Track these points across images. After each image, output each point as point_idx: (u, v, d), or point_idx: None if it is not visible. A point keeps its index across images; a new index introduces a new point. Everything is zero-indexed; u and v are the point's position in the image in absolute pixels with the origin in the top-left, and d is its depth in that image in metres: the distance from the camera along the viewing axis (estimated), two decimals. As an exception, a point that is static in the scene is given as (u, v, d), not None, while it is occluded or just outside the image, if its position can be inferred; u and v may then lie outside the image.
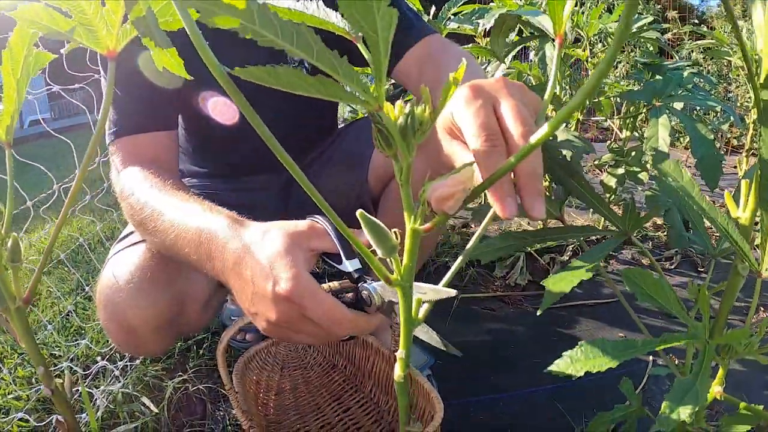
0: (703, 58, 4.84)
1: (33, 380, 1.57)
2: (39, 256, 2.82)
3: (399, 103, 0.35)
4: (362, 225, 0.43)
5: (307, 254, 0.70)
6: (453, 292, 0.55)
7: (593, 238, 2.32)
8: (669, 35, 5.16)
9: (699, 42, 3.82)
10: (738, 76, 4.57)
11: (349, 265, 0.71)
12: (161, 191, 0.92)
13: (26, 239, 3.20)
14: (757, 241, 0.62)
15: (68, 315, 1.89)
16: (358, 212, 0.44)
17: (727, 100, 4.66)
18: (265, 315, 0.68)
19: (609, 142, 2.35)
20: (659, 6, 5.05)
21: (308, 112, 1.32)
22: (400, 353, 0.50)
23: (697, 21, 5.49)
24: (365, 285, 0.69)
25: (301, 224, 0.73)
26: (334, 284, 0.71)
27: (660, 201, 1.75)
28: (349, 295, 0.71)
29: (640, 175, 1.96)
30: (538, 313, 0.67)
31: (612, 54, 0.31)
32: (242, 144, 1.26)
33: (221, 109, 1.16)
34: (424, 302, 0.53)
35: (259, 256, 0.69)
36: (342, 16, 0.29)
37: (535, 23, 1.31)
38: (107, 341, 1.66)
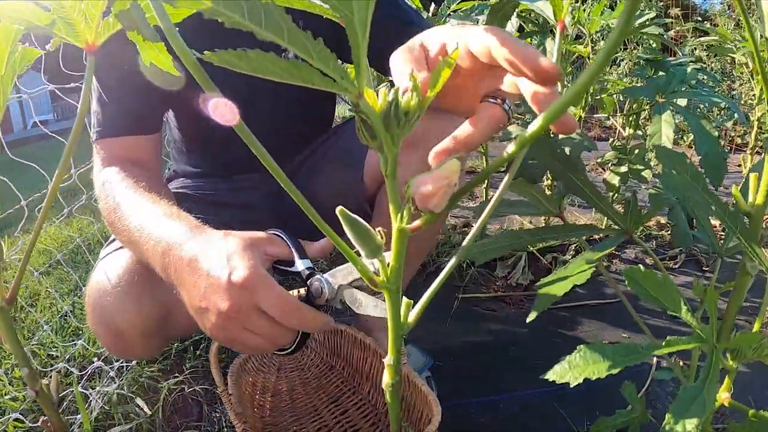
0: (707, 55, 4.81)
1: (29, 382, 1.55)
2: (38, 256, 2.81)
3: (382, 89, 0.33)
4: (343, 224, 0.41)
5: (263, 256, 0.73)
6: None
7: (595, 237, 2.29)
8: (672, 33, 5.12)
9: (702, 39, 3.79)
10: (741, 73, 4.53)
11: (301, 264, 0.75)
12: (134, 193, 0.93)
13: (23, 239, 3.19)
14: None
15: (66, 316, 1.88)
16: (338, 209, 0.41)
17: (731, 97, 4.62)
18: (216, 306, 0.68)
19: (612, 140, 2.33)
20: (662, 3, 5.02)
21: (305, 102, 1.30)
22: (388, 359, 0.47)
23: (700, 19, 5.45)
24: (315, 277, 0.73)
25: (260, 233, 0.76)
26: (295, 292, 0.74)
27: (664, 199, 1.73)
28: (302, 291, 0.74)
29: (643, 173, 1.94)
30: (528, 319, 0.65)
31: (612, 44, 0.28)
32: (235, 143, 1.25)
33: (222, 110, 1.15)
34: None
35: (219, 251, 0.71)
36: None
37: (536, 9, 1.28)
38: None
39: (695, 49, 4.47)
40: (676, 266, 2.21)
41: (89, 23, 0.56)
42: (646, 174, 1.93)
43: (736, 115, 2.85)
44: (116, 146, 1.06)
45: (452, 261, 0.48)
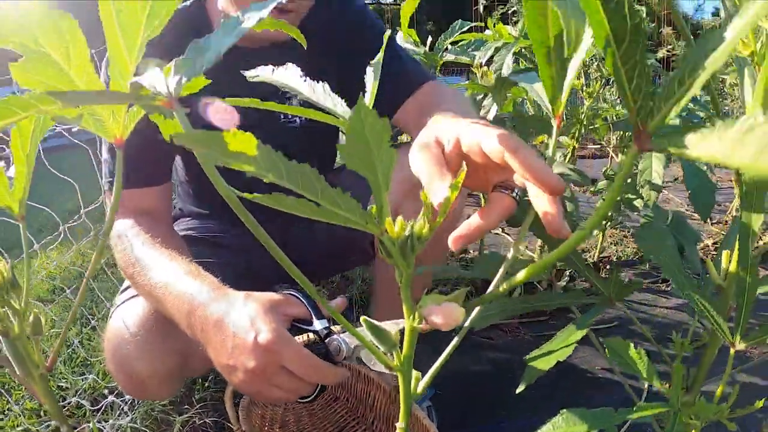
0: (698, 73, 4.88)
1: (41, 413, 1.60)
2: (41, 283, 2.84)
3: (399, 220, 0.39)
4: (365, 327, 0.48)
5: (282, 317, 0.79)
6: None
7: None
8: (664, 51, 5.20)
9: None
10: (733, 91, 4.61)
11: (318, 324, 0.81)
12: (151, 248, 0.99)
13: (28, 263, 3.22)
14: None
15: (73, 345, 1.92)
16: (362, 318, 0.48)
17: (724, 114, 4.71)
18: (244, 365, 0.75)
19: (605, 168, 2.39)
20: (654, 23, 5.10)
21: (308, 147, 1.35)
22: (401, 425, 0.53)
23: (692, 37, 5.51)
24: (333, 337, 0.79)
25: (277, 295, 0.83)
26: (304, 337, 0.80)
27: (654, 227, 1.78)
28: (317, 343, 0.80)
29: (635, 203, 2.00)
30: (518, 391, 0.73)
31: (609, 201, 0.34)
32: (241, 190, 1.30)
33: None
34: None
35: (242, 313, 0.77)
36: (345, 163, 0.32)
37: (534, 96, 1.28)
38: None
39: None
40: (669, 288, 2.27)
41: (116, 118, 0.58)
42: (638, 203, 1.99)
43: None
44: (128, 198, 1.10)
45: (455, 340, 0.54)
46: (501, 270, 0.57)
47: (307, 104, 0.56)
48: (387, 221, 0.38)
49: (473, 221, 0.55)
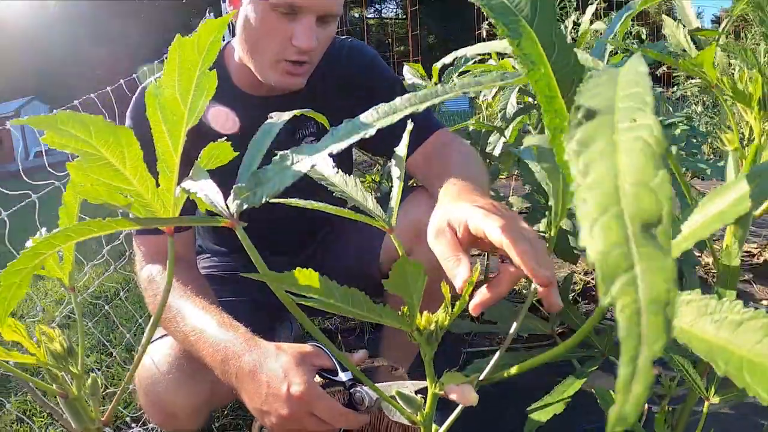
0: (699, 91, 4.98)
1: (65, 439, 1.66)
2: (55, 306, 2.90)
3: (426, 315, 0.47)
4: (396, 395, 0.56)
5: (311, 367, 0.87)
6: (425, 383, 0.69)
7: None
8: (664, 68, 5.28)
9: (693, 81, 3.96)
10: (733, 105, 4.68)
11: (344, 376, 0.89)
12: (183, 296, 1.06)
13: (41, 286, 3.29)
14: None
15: (92, 371, 1.97)
16: (395, 391, 0.56)
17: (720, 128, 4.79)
18: (278, 412, 0.84)
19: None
20: (654, 39, 5.18)
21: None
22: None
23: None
24: (357, 389, 0.88)
25: (307, 346, 0.91)
26: (323, 379, 0.89)
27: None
28: (342, 391, 0.89)
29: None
30: None
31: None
32: (253, 230, 1.36)
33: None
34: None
35: (275, 365, 0.86)
36: (386, 287, 0.40)
37: (538, 178, 1.29)
38: (137, 405, 1.74)
39: (685, 92, 4.64)
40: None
41: (166, 207, 0.61)
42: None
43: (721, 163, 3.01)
44: (155, 243, 1.17)
45: (457, 411, 0.62)
46: (509, 336, 0.64)
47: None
48: (418, 322, 0.46)
49: (485, 291, 0.63)
